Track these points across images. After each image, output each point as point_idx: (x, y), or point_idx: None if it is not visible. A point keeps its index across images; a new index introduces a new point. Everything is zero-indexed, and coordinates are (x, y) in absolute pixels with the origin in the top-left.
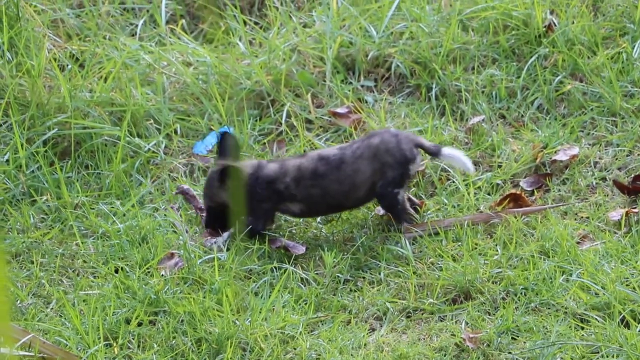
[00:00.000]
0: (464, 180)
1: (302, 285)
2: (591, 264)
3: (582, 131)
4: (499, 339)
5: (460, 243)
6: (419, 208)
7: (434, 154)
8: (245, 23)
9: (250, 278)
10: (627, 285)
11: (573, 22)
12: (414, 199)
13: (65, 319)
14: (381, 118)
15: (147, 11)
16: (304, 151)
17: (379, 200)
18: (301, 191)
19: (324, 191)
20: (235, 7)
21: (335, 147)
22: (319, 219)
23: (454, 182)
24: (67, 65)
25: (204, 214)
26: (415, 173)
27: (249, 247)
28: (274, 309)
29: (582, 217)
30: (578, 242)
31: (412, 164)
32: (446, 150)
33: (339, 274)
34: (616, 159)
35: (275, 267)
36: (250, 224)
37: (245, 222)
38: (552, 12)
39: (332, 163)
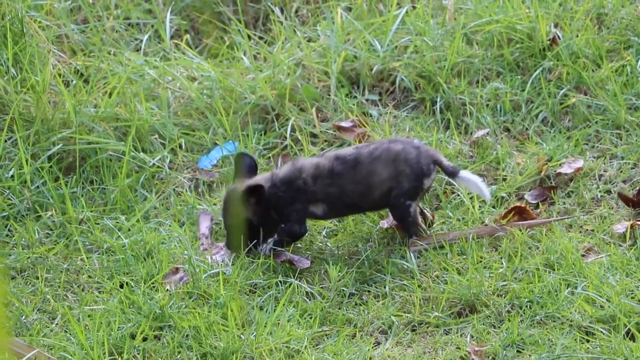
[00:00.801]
0: (468, 194)
1: (307, 299)
2: (596, 276)
3: (587, 144)
4: (504, 352)
5: (465, 256)
6: (427, 220)
7: (451, 174)
8: (249, 38)
9: (255, 292)
10: (632, 297)
11: (577, 36)
12: (425, 212)
13: (70, 334)
14: (386, 132)
15: (152, 26)
16: None
17: (390, 210)
18: (320, 189)
19: (341, 190)
20: (240, 22)
21: (351, 147)
22: (324, 232)
23: (458, 195)
24: (72, 80)
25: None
26: (429, 188)
27: (254, 261)
28: (279, 323)
29: (587, 230)
30: (583, 255)
31: (427, 178)
32: (464, 174)
33: (344, 288)
34: (621, 171)
35: (280, 281)
36: (289, 229)
37: (283, 230)
38: (556, 26)
39: (349, 162)
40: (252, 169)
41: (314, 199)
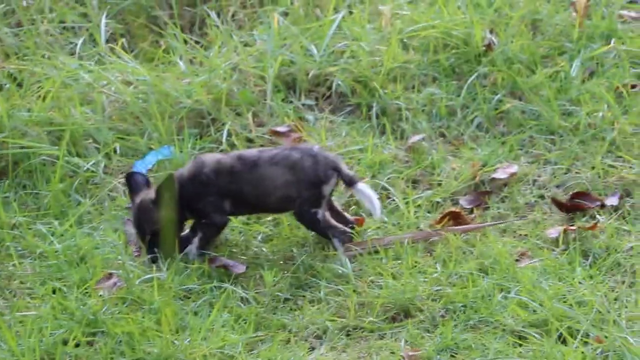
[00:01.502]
0: (404, 199)
1: (242, 305)
2: (529, 281)
3: (521, 149)
4: (438, 356)
5: (400, 261)
6: (355, 226)
7: (348, 183)
8: (185, 42)
9: (190, 297)
10: (564, 302)
11: (512, 41)
12: (348, 216)
13: (1, 340)
14: (322, 137)
15: (87, 30)
16: None
17: (298, 221)
18: (222, 185)
19: (239, 189)
20: (176, 26)
21: (257, 149)
22: (259, 237)
23: (394, 200)
24: (5, 84)
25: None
26: (331, 194)
27: (189, 266)
28: (213, 329)
29: (520, 235)
30: (516, 260)
31: (325, 185)
32: (360, 186)
33: (279, 293)
34: (554, 176)
35: (215, 287)
36: (210, 221)
37: (206, 224)
38: (491, 31)
39: (248, 163)
40: (146, 184)
41: (221, 193)
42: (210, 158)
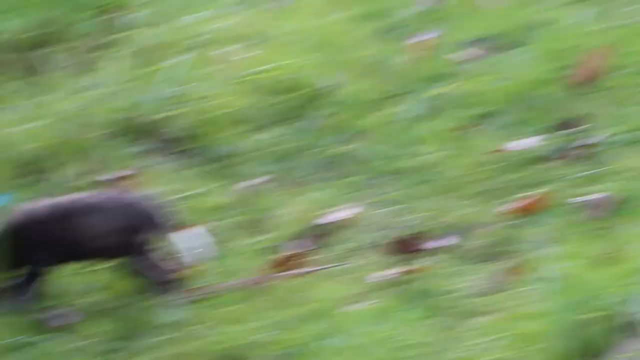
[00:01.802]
0: (236, 244)
1: (70, 356)
2: (358, 325)
3: (360, 191)
4: None
5: (231, 307)
6: (181, 274)
7: (165, 232)
8: (24, 86)
9: (18, 350)
10: (395, 345)
11: (353, 84)
12: (173, 265)
13: None
14: (158, 182)
15: None
16: None
17: (121, 268)
18: (45, 234)
19: (61, 237)
20: (15, 69)
21: (78, 195)
22: (91, 285)
23: (225, 246)
24: None
25: None
26: (154, 241)
27: (16, 317)
28: None
29: (353, 278)
30: (347, 304)
31: (144, 233)
32: (175, 235)
33: (108, 343)
34: (392, 218)
35: (39, 339)
36: (37, 271)
37: (32, 273)
38: (332, 73)
39: (68, 211)
40: None
41: (45, 243)
42: (32, 207)
